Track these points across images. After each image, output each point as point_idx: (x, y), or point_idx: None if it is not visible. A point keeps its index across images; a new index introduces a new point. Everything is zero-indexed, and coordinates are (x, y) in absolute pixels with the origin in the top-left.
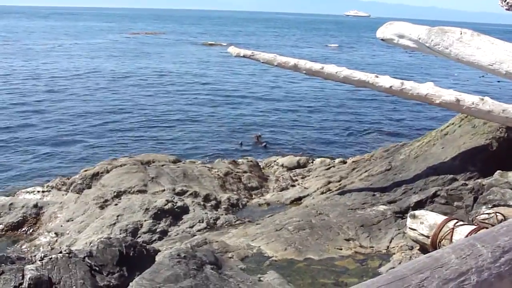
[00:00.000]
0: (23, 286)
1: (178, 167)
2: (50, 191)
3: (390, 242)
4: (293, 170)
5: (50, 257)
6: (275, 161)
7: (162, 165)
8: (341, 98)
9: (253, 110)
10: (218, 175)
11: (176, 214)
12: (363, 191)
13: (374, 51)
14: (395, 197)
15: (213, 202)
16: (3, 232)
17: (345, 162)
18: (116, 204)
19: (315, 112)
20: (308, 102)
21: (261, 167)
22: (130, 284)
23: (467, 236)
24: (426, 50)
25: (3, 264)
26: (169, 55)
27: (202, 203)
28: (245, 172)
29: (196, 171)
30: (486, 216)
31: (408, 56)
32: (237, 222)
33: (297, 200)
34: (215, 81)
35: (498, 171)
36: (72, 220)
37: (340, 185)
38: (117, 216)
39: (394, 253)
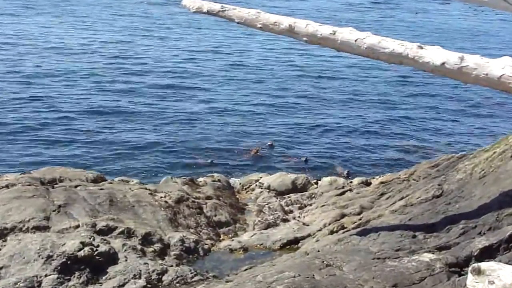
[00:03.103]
0: None
1: (102, 189)
2: None
3: None
4: (286, 196)
5: None
6: (256, 180)
7: (76, 186)
8: (360, 81)
9: (224, 100)
10: (166, 202)
11: (97, 265)
12: (397, 231)
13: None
14: (448, 241)
15: (157, 246)
16: None
17: (368, 184)
18: None
19: (321, 106)
20: (310, 86)
21: (235, 190)
22: None
23: None
24: (500, 4)
25: None
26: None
27: (139, 247)
28: (209, 198)
29: (130, 195)
30: None
31: (465, 19)
32: (196, 279)
33: (292, 244)
34: (157, 56)
35: None
36: None
37: (360, 220)
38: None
39: None
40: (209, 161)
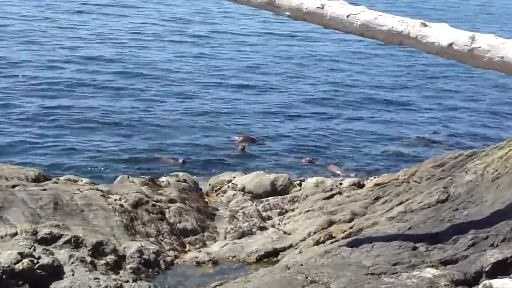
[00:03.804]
0: None
1: (44, 190)
2: None
3: None
4: (264, 199)
5: None
6: (229, 181)
7: (13, 186)
8: (352, 66)
9: (197, 91)
10: (121, 206)
11: (38, 280)
12: (395, 241)
13: None
14: (454, 254)
15: (110, 258)
16: None
17: (361, 186)
18: None
19: (308, 95)
20: (294, 74)
21: (204, 192)
22: None
23: None
24: None
25: None
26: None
27: (89, 259)
28: (172, 201)
29: (78, 198)
30: None
31: None
32: None
33: (271, 256)
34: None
35: None
36: None
37: (351, 228)
38: None
39: None
40: (177, 158)
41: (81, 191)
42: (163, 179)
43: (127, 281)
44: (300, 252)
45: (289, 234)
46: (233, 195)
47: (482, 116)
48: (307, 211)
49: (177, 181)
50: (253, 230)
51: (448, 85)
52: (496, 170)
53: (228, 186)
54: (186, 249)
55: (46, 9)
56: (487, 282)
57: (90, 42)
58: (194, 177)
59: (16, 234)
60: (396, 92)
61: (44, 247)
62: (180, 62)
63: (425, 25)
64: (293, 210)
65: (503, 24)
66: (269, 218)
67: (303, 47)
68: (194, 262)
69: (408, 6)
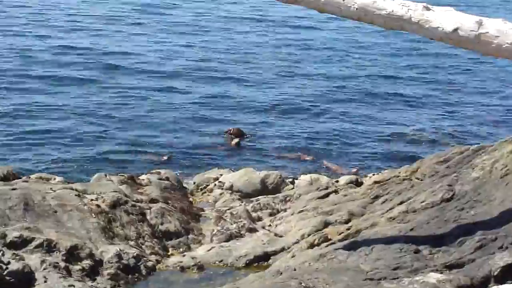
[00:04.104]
0: None
1: (14, 189)
2: None
3: None
4: (254, 199)
5: None
6: (216, 179)
7: None
8: (349, 56)
9: (185, 82)
10: (98, 206)
11: (7, 287)
12: (396, 244)
13: None
14: (460, 257)
15: (86, 263)
16: None
17: (359, 183)
18: None
19: (302, 84)
20: (287, 63)
21: (188, 191)
22: None
23: None
24: None
25: None
26: None
27: (62, 264)
28: (154, 201)
29: (51, 198)
30: None
31: None
32: None
33: (261, 260)
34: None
35: None
36: None
37: (348, 230)
38: None
39: None
40: (162, 154)
41: (54, 191)
42: (143, 177)
43: None
44: (293, 256)
45: (281, 237)
46: (220, 194)
47: (490, 109)
48: (300, 212)
49: (159, 179)
50: (242, 232)
51: (453, 76)
52: (506, 166)
53: (215, 185)
54: (169, 253)
55: None
56: (495, 287)
57: (64, 30)
58: (178, 174)
59: None
60: (397, 84)
61: (14, 251)
62: (162, 51)
63: (428, 9)
64: (285, 210)
65: None
66: (259, 219)
67: (295, 35)
68: (178, 267)
69: None
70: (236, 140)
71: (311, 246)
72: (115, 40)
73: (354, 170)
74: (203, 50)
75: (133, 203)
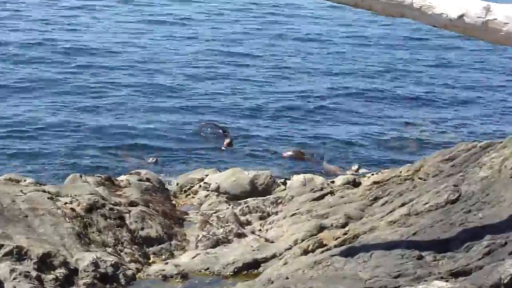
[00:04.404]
0: None
1: None
2: None
3: None
4: (242, 201)
5: None
6: (201, 180)
7: None
8: (345, 46)
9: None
10: (73, 210)
11: None
12: (397, 249)
13: None
14: (467, 263)
15: (59, 272)
16: None
17: (356, 184)
18: None
19: (296, 77)
20: (281, 56)
21: (171, 193)
22: None
23: None
24: None
25: None
26: None
27: (34, 273)
28: (133, 204)
29: (21, 201)
30: None
31: None
32: None
33: (251, 268)
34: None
35: None
36: None
37: (345, 234)
38: None
39: None
40: (148, 156)
41: (25, 193)
42: (122, 178)
43: None
44: (285, 263)
45: (272, 242)
46: (206, 196)
47: (499, 104)
48: (293, 215)
49: (139, 180)
50: (230, 237)
51: (459, 68)
52: None
53: (200, 186)
54: (150, 261)
55: None
56: None
57: (37, 23)
58: (161, 176)
59: None
60: (398, 78)
61: None
62: (145, 48)
63: None
64: (276, 213)
65: None
66: (249, 223)
67: (288, 25)
68: (160, 276)
69: None
70: (227, 140)
71: (305, 252)
72: (95, 35)
73: (354, 168)
74: (189, 45)
75: (111, 206)
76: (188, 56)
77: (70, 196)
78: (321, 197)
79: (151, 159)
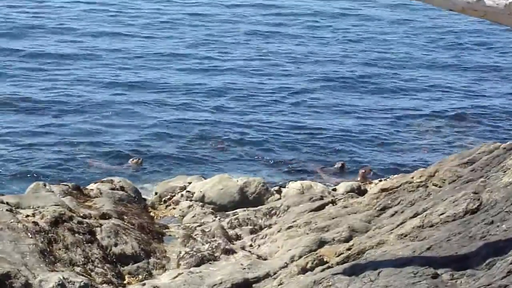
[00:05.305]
0: None
1: None
2: None
3: None
4: (230, 213)
5: None
6: (183, 188)
7: None
8: (347, 33)
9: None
10: (36, 224)
11: None
12: (409, 267)
13: None
14: (489, 282)
15: None
16: None
17: (362, 192)
18: None
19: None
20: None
21: (148, 203)
22: None
23: None
24: None
25: None
26: None
27: None
28: (105, 216)
29: None
30: None
31: None
32: None
33: None
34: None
35: None
36: None
37: (349, 250)
38: None
39: None
40: (135, 157)
41: None
42: (92, 186)
43: None
44: (280, 284)
45: (265, 259)
46: (189, 207)
47: None
48: (289, 228)
49: (112, 189)
50: (216, 254)
51: (479, 58)
52: None
53: (182, 195)
54: (125, 282)
55: None
56: None
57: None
58: (135, 183)
59: None
60: (407, 68)
61: None
62: (127, 47)
63: None
64: (270, 226)
65: None
66: (238, 237)
67: (281, 17)
68: None
69: None
70: (221, 144)
71: (303, 270)
72: (74, 35)
73: (363, 170)
74: (175, 42)
75: (80, 219)
76: (168, 57)
77: (33, 207)
78: (321, 207)
79: (134, 160)
